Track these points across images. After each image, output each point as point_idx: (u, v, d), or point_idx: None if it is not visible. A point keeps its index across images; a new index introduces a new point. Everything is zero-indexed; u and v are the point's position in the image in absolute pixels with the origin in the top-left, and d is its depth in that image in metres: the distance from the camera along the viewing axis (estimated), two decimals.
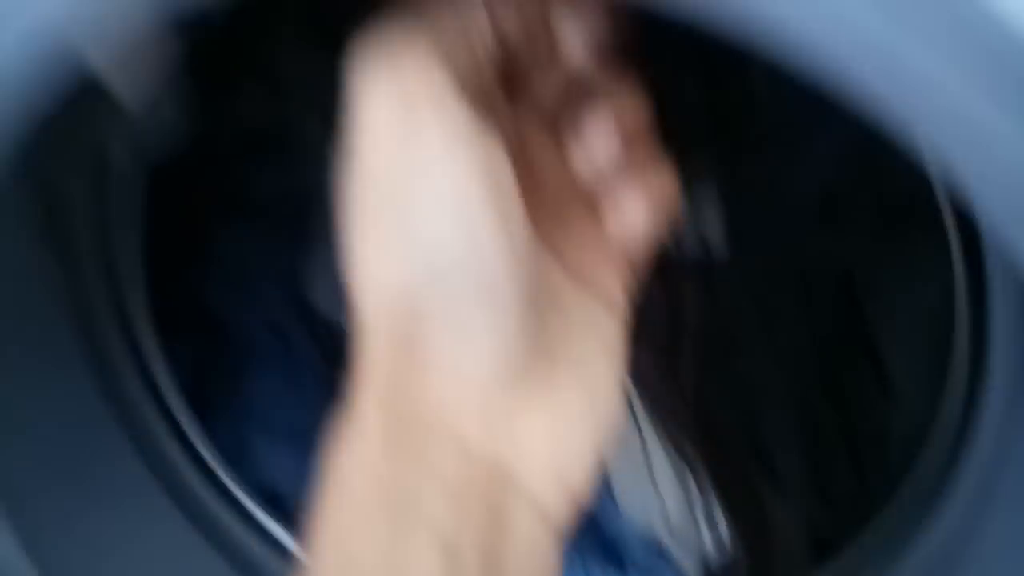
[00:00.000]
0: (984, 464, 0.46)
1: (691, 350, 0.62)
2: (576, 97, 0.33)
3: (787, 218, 0.54)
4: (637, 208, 0.33)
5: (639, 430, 0.68)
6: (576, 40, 0.34)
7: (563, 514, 0.30)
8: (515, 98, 0.33)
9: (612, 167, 0.32)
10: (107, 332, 0.59)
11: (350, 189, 0.30)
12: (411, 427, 0.29)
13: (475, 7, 0.31)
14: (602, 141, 0.32)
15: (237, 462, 0.65)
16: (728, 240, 0.58)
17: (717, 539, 0.64)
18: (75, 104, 0.32)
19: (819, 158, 0.53)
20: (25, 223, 0.49)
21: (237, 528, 0.62)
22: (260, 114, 0.69)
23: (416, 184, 0.28)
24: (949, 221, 0.41)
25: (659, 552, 0.66)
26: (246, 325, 0.73)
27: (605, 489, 0.70)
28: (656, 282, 0.64)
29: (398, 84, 0.28)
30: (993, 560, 0.46)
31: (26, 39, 0.27)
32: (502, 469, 0.29)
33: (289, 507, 0.69)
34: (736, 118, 0.58)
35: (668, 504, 0.65)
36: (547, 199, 0.32)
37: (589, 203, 0.33)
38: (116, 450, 0.59)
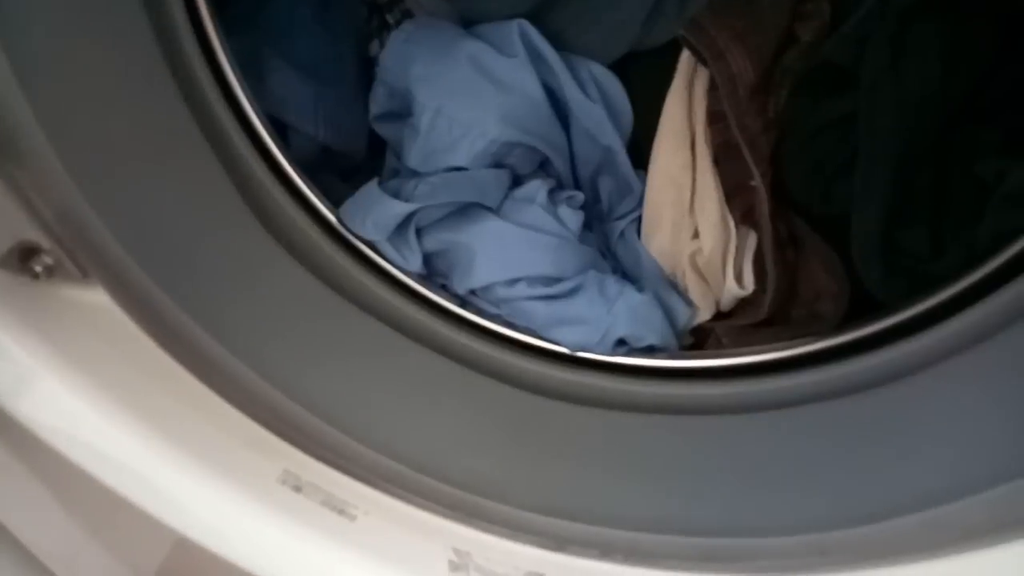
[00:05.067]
0: None
1: (788, 83, 0.56)
2: None
3: None
4: None
5: (693, 170, 0.62)
6: None
7: None
8: None
9: None
10: None
11: None
12: None
13: None
14: None
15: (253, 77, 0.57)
16: None
17: (738, 287, 0.62)
18: None
19: None
20: None
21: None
22: None
23: None
24: None
25: (671, 284, 0.64)
26: None
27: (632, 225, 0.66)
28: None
29: None
30: None
31: None
32: None
33: (288, 138, 0.62)
34: None
35: (704, 247, 0.61)
36: None
37: None
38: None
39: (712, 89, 0.59)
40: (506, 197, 0.62)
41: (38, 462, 0.61)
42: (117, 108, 0.47)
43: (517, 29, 0.61)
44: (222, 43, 0.54)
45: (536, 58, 0.61)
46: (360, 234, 0.59)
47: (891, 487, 0.46)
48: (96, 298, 0.48)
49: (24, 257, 0.46)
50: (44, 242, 0.45)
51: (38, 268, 0.47)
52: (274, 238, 0.56)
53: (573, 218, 0.62)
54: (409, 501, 0.54)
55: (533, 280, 0.60)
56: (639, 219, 0.66)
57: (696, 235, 0.62)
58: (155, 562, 0.88)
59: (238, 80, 0.55)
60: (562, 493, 0.52)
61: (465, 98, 0.59)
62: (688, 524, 0.49)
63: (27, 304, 0.49)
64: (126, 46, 0.49)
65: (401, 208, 0.58)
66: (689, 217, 0.62)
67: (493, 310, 0.62)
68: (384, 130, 0.66)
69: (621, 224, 0.66)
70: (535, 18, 0.62)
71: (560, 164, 0.64)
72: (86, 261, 0.46)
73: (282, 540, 0.58)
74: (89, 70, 0.46)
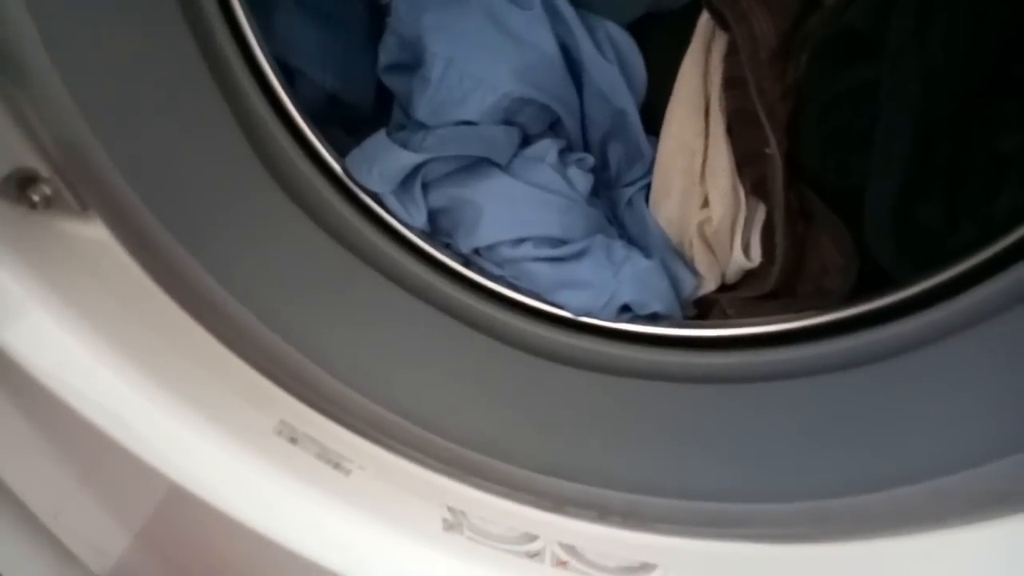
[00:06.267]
0: None
1: (808, 49, 0.55)
2: None
3: None
4: None
5: (706, 137, 0.62)
6: None
7: None
8: None
9: None
10: None
11: None
12: None
13: None
14: None
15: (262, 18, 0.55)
16: None
17: (745, 259, 0.61)
18: None
19: None
20: None
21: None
22: None
23: None
24: None
25: (677, 253, 0.63)
26: None
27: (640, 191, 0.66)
28: None
29: None
30: None
31: None
32: None
33: (295, 83, 0.61)
34: None
35: (714, 216, 0.61)
36: None
37: None
38: None
39: (729, 55, 0.58)
40: (515, 155, 0.61)
41: (29, 403, 0.60)
42: (124, 37, 0.46)
43: None
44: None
45: (552, 13, 0.60)
46: (365, 184, 0.57)
47: (894, 458, 0.46)
48: (95, 232, 0.46)
49: (22, 185, 0.45)
50: (43, 170, 0.44)
51: (36, 197, 0.45)
52: (278, 184, 0.54)
53: (582, 180, 0.61)
54: (406, 456, 0.53)
55: (539, 241, 0.59)
56: (647, 187, 0.65)
57: (705, 204, 0.62)
58: (142, 518, 0.87)
59: (247, 19, 0.54)
60: (561, 454, 0.52)
61: (478, 50, 0.58)
62: (687, 488, 0.49)
63: (22, 234, 0.47)
64: None
65: (409, 159, 0.56)
66: (699, 185, 0.62)
67: (497, 271, 0.61)
68: (392, 82, 0.65)
69: (629, 191, 0.65)
70: None
71: (571, 125, 0.63)
72: (86, 193, 0.45)
73: (274, 492, 0.57)
74: None
